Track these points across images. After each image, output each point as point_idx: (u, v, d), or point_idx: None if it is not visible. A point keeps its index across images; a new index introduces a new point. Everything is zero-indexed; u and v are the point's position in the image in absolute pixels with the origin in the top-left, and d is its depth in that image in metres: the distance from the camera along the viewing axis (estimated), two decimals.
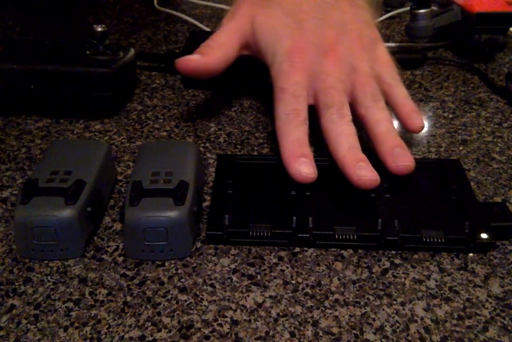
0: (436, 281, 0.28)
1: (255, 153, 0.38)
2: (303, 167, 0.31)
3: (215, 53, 0.38)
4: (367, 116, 0.35)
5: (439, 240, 0.29)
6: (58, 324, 0.26)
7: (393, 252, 0.30)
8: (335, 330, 0.26)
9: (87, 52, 0.41)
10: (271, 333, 0.26)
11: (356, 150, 0.32)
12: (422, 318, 0.26)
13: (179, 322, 0.26)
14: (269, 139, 0.40)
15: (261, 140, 0.40)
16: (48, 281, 0.29)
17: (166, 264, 0.29)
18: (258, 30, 0.38)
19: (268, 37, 0.38)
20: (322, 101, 0.35)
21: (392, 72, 0.38)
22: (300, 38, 0.36)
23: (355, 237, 0.30)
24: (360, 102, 0.35)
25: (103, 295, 0.28)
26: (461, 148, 0.39)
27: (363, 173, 0.31)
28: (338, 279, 0.29)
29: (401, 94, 0.37)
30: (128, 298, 0.28)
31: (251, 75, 0.44)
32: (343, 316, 0.27)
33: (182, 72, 0.38)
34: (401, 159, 0.32)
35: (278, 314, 0.27)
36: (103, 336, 0.26)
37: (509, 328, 0.26)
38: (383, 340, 0.25)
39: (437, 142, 0.39)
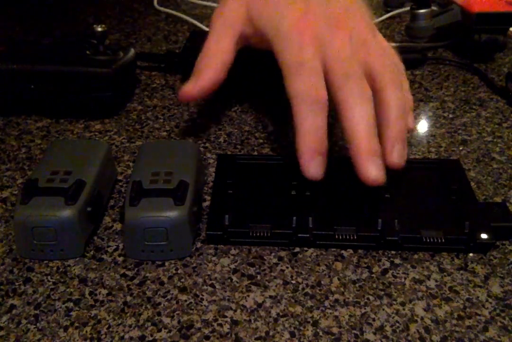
0: (436, 281, 0.28)
1: (255, 153, 0.38)
2: (319, 168, 0.31)
3: (209, 71, 0.37)
4: (383, 96, 0.32)
5: (439, 240, 0.29)
6: (58, 324, 0.26)
7: (393, 252, 0.30)
8: (335, 330, 0.26)
9: (87, 52, 0.41)
10: (271, 333, 0.26)
11: (373, 139, 0.30)
12: (422, 318, 0.26)
13: (179, 322, 0.26)
14: (269, 139, 0.40)
15: (261, 140, 0.40)
16: (48, 281, 0.29)
17: (166, 264, 0.29)
18: (255, 13, 0.36)
19: (269, 16, 0.35)
20: (340, 71, 0.32)
21: (393, 64, 0.35)
22: (307, 9, 0.34)
23: (355, 237, 0.30)
24: (376, 77, 0.32)
25: (103, 295, 0.28)
26: (461, 148, 0.39)
27: (374, 171, 0.30)
28: (338, 279, 0.29)
29: (394, 105, 0.33)
30: (128, 298, 0.28)
31: (251, 75, 0.44)
32: (343, 316, 0.27)
33: (189, 102, 0.40)
34: (399, 156, 0.32)
35: (278, 314, 0.27)
36: (103, 336, 0.26)
37: (509, 328, 0.26)
38: (383, 340, 0.25)
39: (437, 142, 0.39)
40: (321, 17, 0.34)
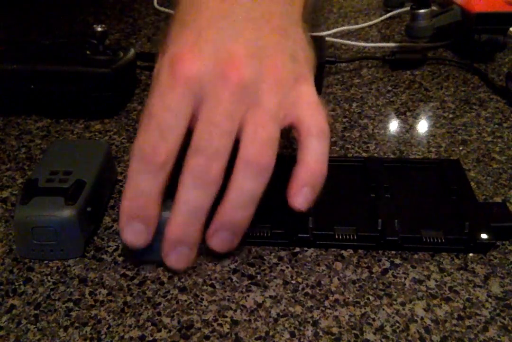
0: (436, 281, 0.28)
1: None
2: (135, 234, 0.27)
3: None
4: (232, 177, 0.26)
5: (439, 240, 0.29)
6: (58, 324, 0.26)
7: (393, 252, 0.30)
8: (335, 330, 0.26)
9: (87, 52, 0.41)
10: (271, 333, 0.26)
11: (186, 228, 0.26)
12: (422, 318, 0.26)
13: (179, 322, 0.26)
14: None
15: None
16: (48, 281, 0.29)
17: None
18: None
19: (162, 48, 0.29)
20: (195, 140, 0.26)
21: (316, 117, 0.28)
22: (193, 46, 0.27)
23: (355, 237, 0.30)
24: (240, 150, 0.26)
25: (103, 295, 0.28)
26: (461, 148, 0.39)
27: (173, 261, 0.27)
28: (338, 279, 0.29)
29: (313, 152, 0.27)
30: (128, 298, 0.28)
31: None
32: (343, 316, 0.27)
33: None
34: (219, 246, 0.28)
35: (278, 314, 0.27)
36: (103, 336, 0.26)
37: (509, 328, 0.26)
38: (383, 340, 0.25)
39: (437, 142, 0.39)
40: (209, 55, 0.26)
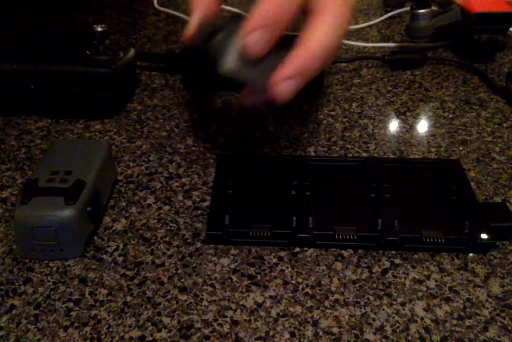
0: (436, 281, 0.28)
1: (255, 153, 0.38)
2: (255, 40, 0.26)
3: (196, 9, 0.30)
4: (309, 29, 0.27)
5: (439, 240, 0.29)
6: (58, 324, 0.26)
7: (393, 252, 0.30)
8: (335, 330, 0.26)
9: (87, 52, 0.41)
10: (271, 333, 0.26)
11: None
12: (422, 318, 0.26)
13: (179, 322, 0.26)
14: (269, 139, 0.40)
15: (261, 140, 0.40)
16: (48, 281, 0.29)
17: (166, 264, 0.29)
18: None
19: None
20: None
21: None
22: None
23: (355, 237, 0.30)
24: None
25: (103, 295, 0.28)
26: (461, 148, 0.39)
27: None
28: (338, 279, 0.29)
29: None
30: (128, 298, 0.28)
31: None
32: (343, 316, 0.27)
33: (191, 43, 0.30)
34: (282, 92, 0.27)
35: (278, 314, 0.27)
36: (103, 336, 0.26)
37: (509, 328, 0.26)
38: (383, 340, 0.25)
39: (437, 142, 0.39)
40: None
